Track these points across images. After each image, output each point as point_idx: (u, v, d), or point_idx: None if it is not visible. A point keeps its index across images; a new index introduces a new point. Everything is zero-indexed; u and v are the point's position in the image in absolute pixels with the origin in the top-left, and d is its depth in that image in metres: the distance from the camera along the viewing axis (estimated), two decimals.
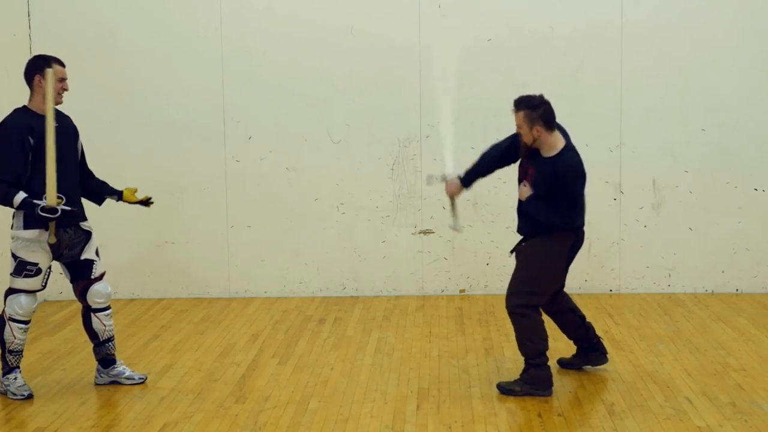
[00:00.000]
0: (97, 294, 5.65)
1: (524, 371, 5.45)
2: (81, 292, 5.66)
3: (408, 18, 7.81)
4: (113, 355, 5.74)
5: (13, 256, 5.46)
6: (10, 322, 5.47)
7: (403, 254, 8.01)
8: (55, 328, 7.15)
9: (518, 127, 5.43)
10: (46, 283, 5.58)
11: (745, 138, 7.82)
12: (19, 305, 5.47)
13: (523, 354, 5.47)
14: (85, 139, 7.95)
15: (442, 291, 8.03)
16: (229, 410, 5.28)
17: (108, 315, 5.68)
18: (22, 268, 5.45)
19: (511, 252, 5.71)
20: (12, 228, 5.44)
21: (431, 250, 8.00)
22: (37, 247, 5.46)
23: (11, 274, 5.48)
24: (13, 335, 5.46)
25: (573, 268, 7.91)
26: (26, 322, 5.50)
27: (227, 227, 8.01)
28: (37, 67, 5.56)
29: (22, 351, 5.54)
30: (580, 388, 5.52)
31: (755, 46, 7.76)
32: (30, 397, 5.49)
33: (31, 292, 5.51)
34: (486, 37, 7.82)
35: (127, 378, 5.74)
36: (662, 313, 7.29)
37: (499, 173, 7.86)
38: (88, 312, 5.67)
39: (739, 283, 7.93)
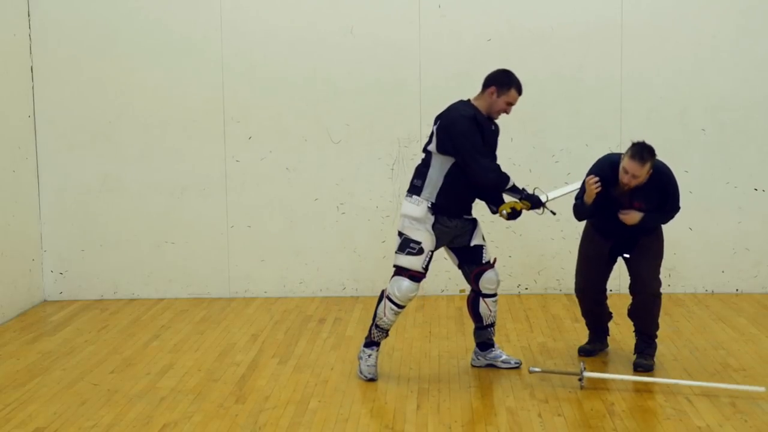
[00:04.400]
0: (489, 281, 5.80)
1: (653, 347, 5.90)
2: (474, 278, 5.81)
3: (408, 18, 7.81)
4: (492, 339, 5.94)
5: (400, 234, 5.67)
6: (387, 301, 5.66)
7: None
8: (55, 328, 7.16)
9: (635, 176, 5.63)
10: (427, 267, 5.64)
11: (745, 138, 7.82)
12: (399, 288, 5.62)
13: (653, 332, 5.90)
14: (85, 139, 8.01)
15: (442, 291, 8.03)
16: (229, 410, 5.28)
17: (494, 301, 5.85)
18: (405, 245, 5.62)
19: (624, 256, 5.97)
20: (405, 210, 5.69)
21: None
22: (422, 227, 5.61)
23: (396, 252, 5.68)
24: (384, 313, 5.67)
25: (573, 268, 7.92)
26: (401, 306, 5.66)
27: (227, 227, 8.01)
28: (501, 82, 5.66)
29: (387, 331, 5.76)
30: (581, 388, 5.51)
31: (755, 46, 7.76)
32: (372, 380, 5.70)
33: (415, 278, 5.61)
34: (486, 37, 7.82)
35: (504, 362, 5.92)
36: (662, 313, 7.23)
37: None
38: (477, 296, 5.85)
39: (739, 283, 7.93)
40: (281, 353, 6.34)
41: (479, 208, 5.97)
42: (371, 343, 5.77)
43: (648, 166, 5.61)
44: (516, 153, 7.87)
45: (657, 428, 4.91)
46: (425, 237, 5.60)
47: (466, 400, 5.38)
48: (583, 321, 6.97)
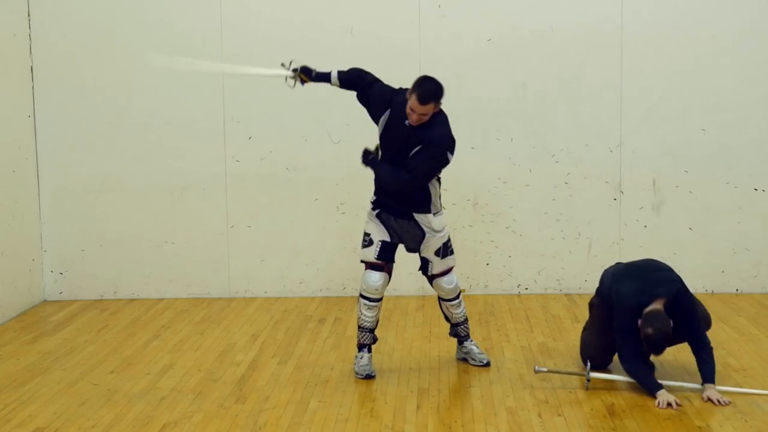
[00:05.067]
0: (439, 288, 5.88)
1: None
2: (429, 282, 5.94)
3: (408, 18, 7.80)
4: (464, 335, 6.03)
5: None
6: (359, 297, 5.81)
7: (403, 254, 7.96)
8: (55, 328, 7.16)
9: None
10: (385, 257, 5.75)
11: (745, 138, 7.82)
12: (363, 281, 5.77)
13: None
14: (85, 139, 8.01)
15: None
16: (229, 410, 5.28)
17: (455, 304, 5.92)
18: (363, 238, 5.83)
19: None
20: None
21: None
22: (370, 219, 5.84)
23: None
24: (360, 310, 5.79)
25: (573, 268, 7.97)
26: (370, 299, 5.75)
27: (227, 227, 8.01)
28: (412, 86, 5.55)
29: (371, 330, 5.80)
30: (580, 388, 5.52)
31: (755, 46, 7.75)
32: (369, 376, 5.73)
33: (374, 268, 5.73)
34: (486, 37, 7.82)
35: (472, 358, 6.02)
36: None
37: (499, 173, 7.93)
38: (439, 298, 5.98)
39: (739, 283, 7.93)
40: (281, 353, 6.34)
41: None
42: (360, 345, 5.84)
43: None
44: (516, 153, 7.88)
45: (657, 428, 4.91)
46: (373, 228, 5.78)
47: (466, 400, 5.38)
48: (582, 321, 6.98)
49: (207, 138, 7.91)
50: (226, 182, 7.95)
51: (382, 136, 5.76)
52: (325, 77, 6.04)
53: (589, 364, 5.55)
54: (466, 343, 6.07)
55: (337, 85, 6.02)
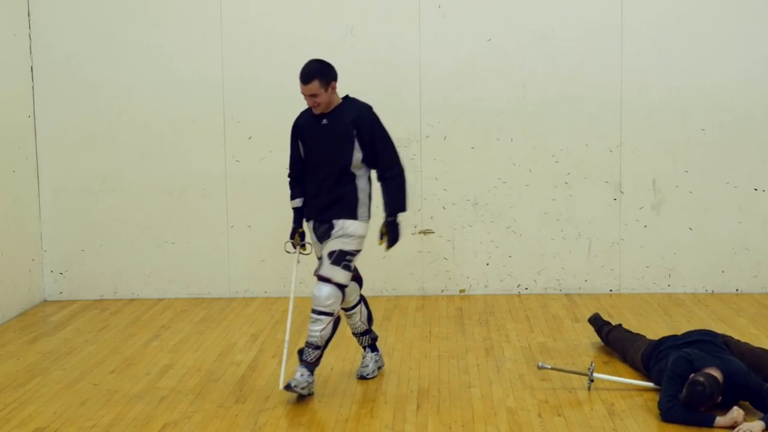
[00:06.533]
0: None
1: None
2: None
3: (408, 18, 7.81)
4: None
5: None
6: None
7: (403, 254, 7.99)
8: (55, 328, 7.16)
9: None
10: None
11: (745, 138, 7.82)
12: (312, 293, 5.44)
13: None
14: (85, 139, 8.01)
15: (442, 291, 8.03)
16: (229, 410, 5.28)
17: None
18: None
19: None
20: None
21: (431, 250, 7.99)
22: (312, 237, 5.68)
23: None
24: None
25: (573, 268, 7.97)
26: (314, 311, 5.38)
27: (227, 227, 8.01)
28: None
29: (318, 347, 5.39)
30: (581, 388, 5.52)
31: (755, 46, 7.76)
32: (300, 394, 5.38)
33: (321, 279, 5.40)
34: (486, 37, 7.82)
35: (361, 368, 5.78)
36: (662, 313, 7.29)
37: (500, 173, 7.93)
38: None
39: (739, 283, 7.93)
40: (281, 353, 6.33)
41: None
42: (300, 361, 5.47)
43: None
44: (516, 153, 7.88)
45: (657, 428, 4.91)
46: (314, 246, 5.68)
47: (466, 400, 5.38)
48: (583, 321, 6.99)
49: (207, 138, 7.91)
50: (226, 182, 7.95)
51: (307, 154, 5.61)
52: (299, 213, 5.80)
53: (593, 364, 5.55)
54: (364, 356, 5.79)
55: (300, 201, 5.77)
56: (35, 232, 7.91)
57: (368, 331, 5.84)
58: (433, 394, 5.48)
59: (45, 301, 8.00)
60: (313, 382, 5.44)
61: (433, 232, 7.99)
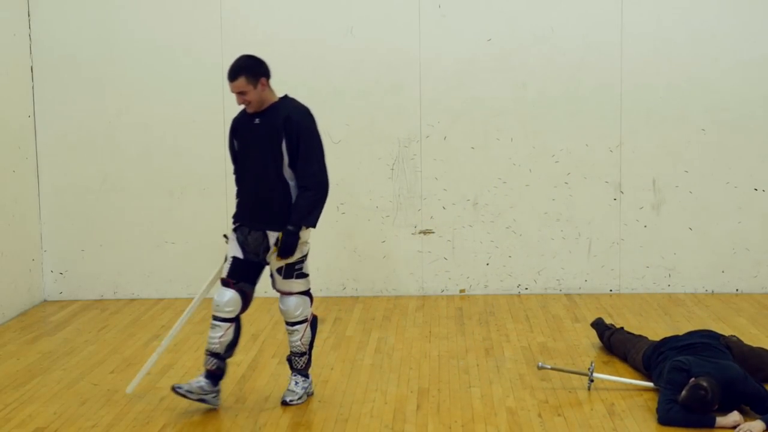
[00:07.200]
0: (280, 303, 5.31)
1: None
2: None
3: (408, 18, 7.80)
4: (297, 368, 5.37)
5: None
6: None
7: (403, 254, 8.01)
8: (55, 328, 7.16)
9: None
10: (235, 277, 5.24)
11: (745, 138, 7.82)
12: (214, 296, 5.26)
13: None
14: (85, 139, 8.01)
15: (442, 291, 8.03)
16: (229, 410, 5.28)
17: (291, 330, 5.31)
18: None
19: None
20: None
21: (431, 250, 8.00)
22: (230, 234, 5.33)
23: None
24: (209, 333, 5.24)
25: (573, 268, 7.96)
26: (215, 317, 5.21)
27: (227, 227, 7.98)
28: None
29: (216, 355, 5.20)
30: (581, 388, 5.51)
31: (755, 46, 7.76)
32: (201, 401, 5.20)
33: (224, 283, 5.26)
34: (486, 37, 7.82)
35: (288, 392, 5.41)
36: (662, 313, 7.29)
37: (500, 173, 7.93)
38: None
39: (739, 283, 7.93)
40: (281, 353, 6.33)
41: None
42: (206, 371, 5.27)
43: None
44: (516, 153, 7.88)
45: (657, 428, 4.91)
46: (230, 245, 5.32)
47: (466, 400, 5.38)
48: (583, 321, 6.99)
49: (207, 138, 7.91)
50: (226, 182, 7.94)
51: (240, 154, 5.24)
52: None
53: (593, 364, 5.55)
54: (294, 375, 5.40)
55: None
56: (35, 232, 7.91)
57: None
58: (433, 394, 5.48)
59: (45, 301, 8.00)
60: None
61: (433, 232, 7.99)
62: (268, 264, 5.28)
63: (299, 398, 5.36)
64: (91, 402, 5.44)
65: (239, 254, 5.26)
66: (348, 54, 7.84)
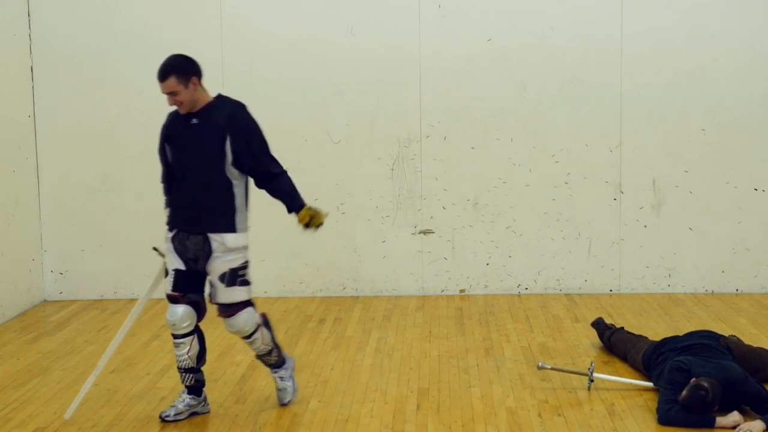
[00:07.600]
0: (229, 330, 5.14)
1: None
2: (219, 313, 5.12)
3: (408, 18, 7.81)
4: (274, 364, 5.26)
5: None
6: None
7: (403, 254, 8.01)
8: (55, 328, 7.16)
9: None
10: (181, 290, 5.03)
11: (745, 138, 7.82)
12: (166, 316, 5.07)
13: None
14: (85, 139, 8.00)
15: (442, 291, 8.03)
16: (229, 410, 5.28)
17: (249, 341, 5.14)
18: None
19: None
20: None
21: (431, 250, 8.00)
22: (167, 245, 5.06)
23: None
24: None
25: (573, 268, 7.96)
26: (175, 336, 5.06)
27: None
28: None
29: (191, 370, 5.09)
30: (581, 388, 5.52)
31: (755, 46, 7.76)
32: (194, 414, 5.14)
33: (173, 300, 5.05)
34: (486, 37, 7.82)
35: (277, 389, 5.35)
36: (662, 313, 7.29)
37: (499, 173, 7.93)
38: None
39: (739, 283, 7.93)
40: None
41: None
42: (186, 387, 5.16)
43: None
44: (516, 153, 7.88)
45: (657, 428, 4.91)
46: (169, 258, 5.05)
47: (466, 400, 5.38)
48: (583, 321, 6.99)
49: None
50: None
51: (175, 158, 5.00)
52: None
53: (593, 364, 5.55)
54: (274, 372, 5.30)
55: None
56: (35, 232, 7.91)
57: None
58: (433, 394, 5.48)
59: (45, 301, 8.00)
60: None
61: (433, 232, 7.99)
62: (208, 274, 5.04)
63: (293, 390, 5.31)
64: (91, 402, 5.44)
65: (180, 266, 5.00)
66: (348, 53, 7.84)
